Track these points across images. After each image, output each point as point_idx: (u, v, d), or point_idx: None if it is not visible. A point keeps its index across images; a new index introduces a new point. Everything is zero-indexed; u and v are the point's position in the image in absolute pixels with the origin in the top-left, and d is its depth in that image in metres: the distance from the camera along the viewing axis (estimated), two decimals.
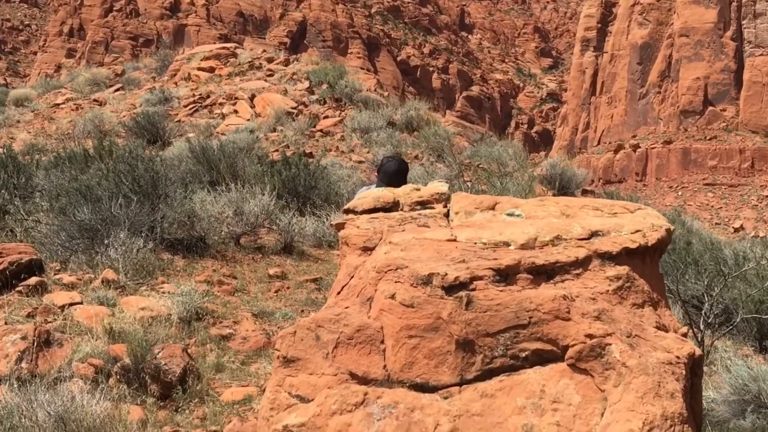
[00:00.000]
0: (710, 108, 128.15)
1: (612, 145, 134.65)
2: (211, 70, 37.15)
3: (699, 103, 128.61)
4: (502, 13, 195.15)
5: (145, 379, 9.03)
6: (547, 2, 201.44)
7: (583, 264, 7.40)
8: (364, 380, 7.28)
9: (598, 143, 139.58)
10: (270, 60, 37.97)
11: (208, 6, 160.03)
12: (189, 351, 9.61)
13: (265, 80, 34.94)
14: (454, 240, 8.03)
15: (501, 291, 6.96)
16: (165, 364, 9.23)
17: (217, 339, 10.25)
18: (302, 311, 11.36)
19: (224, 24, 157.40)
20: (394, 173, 9.45)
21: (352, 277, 8.41)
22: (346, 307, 7.79)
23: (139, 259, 11.85)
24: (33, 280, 11.12)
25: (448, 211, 9.10)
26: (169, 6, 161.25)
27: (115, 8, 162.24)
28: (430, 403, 6.86)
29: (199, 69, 37.39)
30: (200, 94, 33.55)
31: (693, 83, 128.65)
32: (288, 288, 12.41)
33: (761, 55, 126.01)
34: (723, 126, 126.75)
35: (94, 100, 35.28)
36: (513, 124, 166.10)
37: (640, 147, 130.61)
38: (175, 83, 37.29)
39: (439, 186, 9.56)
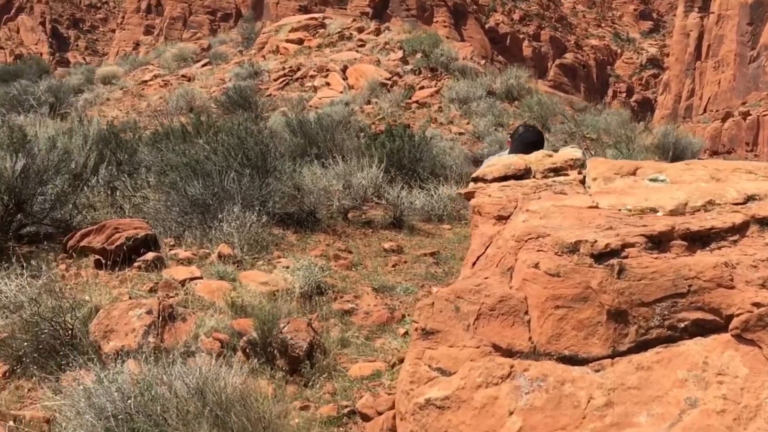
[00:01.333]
0: None
1: (719, 113, 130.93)
2: (300, 42, 37.55)
3: None
4: None
5: (272, 354, 9.26)
6: None
7: (739, 230, 7.27)
8: (508, 352, 7.33)
9: (704, 111, 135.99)
10: (360, 30, 38.16)
11: None
12: (313, 325, 9.82)
13: (357, 51, 35.16)
14: (596, 207, 7.99)
15: (656, 258, 6.91)
16: (291, 339, 9.45)
17: (339, 313, 10.44)
18: (422, 286, 11.48)
19: None
20: (531, 144, 9.51)
21: (488, 246, 8.47)
22: (486, 278, 7.85)
23: (252, 234, 12.14)
24: (150, 255, 11.50)
25: (584, 177, 9.06)
26: None
27: None
28: (581, 376, 6.86)
29: (288, 41, 37.83)
30: (290, 67, 33.98)
31: None
32: (405, 262, 12.56)
33: None
34: None
35: (182, 76, 36.09)
36: (610, 92, 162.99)
37: (750, 114, 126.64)
38: (263, 56, 37.83)
39: (572, 152, 9.51)
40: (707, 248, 7.17)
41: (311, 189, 13.94)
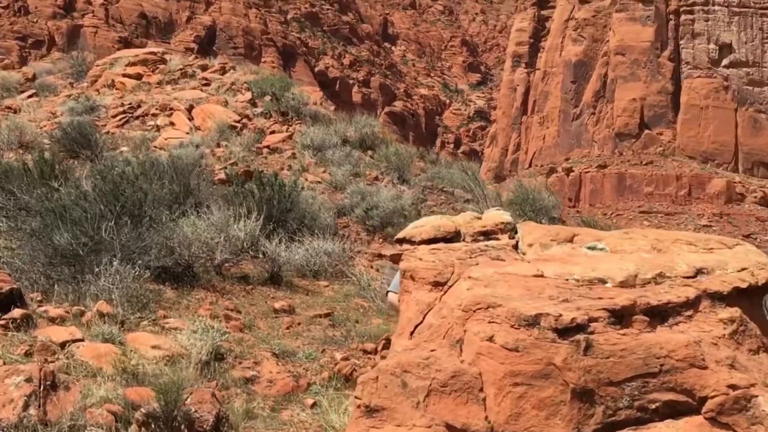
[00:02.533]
0: (646, 131, 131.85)
1: (544, 168, 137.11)
2: (139, 77, 36.37)
3: (635, 126, 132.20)
4: (428, 24, 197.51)
5: (177, 428, 8.61)
6: (476, 14, 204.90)
7: (693, 305, 7.36)
8: None
9: (530, 165, 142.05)
10: (204, 68, 37.38)
11: (106, 6, 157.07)
12: (216, 396, 9.22)
13: (201, 90, 34.37)
14: (542, 276, 7.92)
15: (623, 335, 6.86)
16: (196, 411, 8.84)
17: (241, 382, 9.88)
18: (323, 350, 11.08)
19: (125, 26, 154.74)
20: None
21: (425, 314, 8.21)
22: (432, 350, 7.58)
23: (132, 290, 11.36)
24: (17, 312, 10.53)
25: (517, 242, 8.99)
26: (62, 4, 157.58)
27: (1, 5, 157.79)
28: None
29: (125, 75, 36.55)
30: (129, 104, 32.76)
31: (629, 104, 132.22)
32: (299, 324, 12.11)
33: (699, 77, 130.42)
34: (659, 150, 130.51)
35: (7, 107, 34.06)
36: (438, 142, 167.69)
37: (573, 171, 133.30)
38: (97, 90, 36.37)
39: (500, 215, 9.46)
40: (666, 324, 7.19)
41: (190, 240, 13.26)
